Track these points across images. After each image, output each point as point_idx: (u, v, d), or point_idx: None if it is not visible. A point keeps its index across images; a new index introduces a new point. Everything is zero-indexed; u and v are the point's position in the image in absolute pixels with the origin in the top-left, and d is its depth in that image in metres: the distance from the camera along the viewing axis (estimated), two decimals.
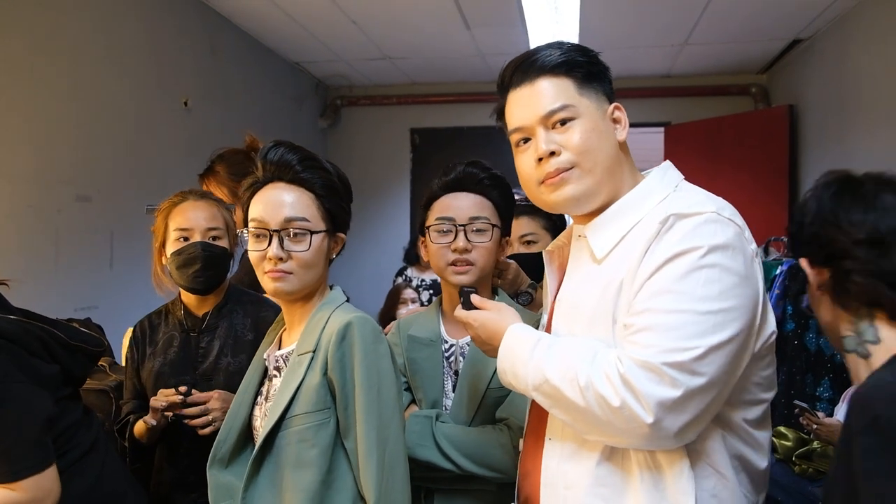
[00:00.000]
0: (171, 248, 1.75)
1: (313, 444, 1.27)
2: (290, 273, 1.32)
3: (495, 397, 1.51)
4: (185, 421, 1.63)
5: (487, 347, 1.27)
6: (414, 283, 4.79)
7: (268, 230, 1.31)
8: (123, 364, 2.18)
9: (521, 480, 1.32)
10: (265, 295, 1.88)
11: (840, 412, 2.80)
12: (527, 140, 1.23)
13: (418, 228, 1.65)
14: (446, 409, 1.55)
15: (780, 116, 4.72)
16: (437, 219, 1.55)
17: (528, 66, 1.22)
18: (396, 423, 1.30)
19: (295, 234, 1.31)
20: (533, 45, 4.60)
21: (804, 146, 4.58)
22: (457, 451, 1.44)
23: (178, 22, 3.64)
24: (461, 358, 1.57)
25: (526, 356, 1.13)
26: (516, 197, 1.69)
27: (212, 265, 1.74)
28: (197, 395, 1.63)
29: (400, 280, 4.87)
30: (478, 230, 1.54)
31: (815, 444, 2.52)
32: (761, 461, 1.15)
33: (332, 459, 1.28)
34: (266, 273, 1.32)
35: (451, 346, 1.59)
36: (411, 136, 5.84)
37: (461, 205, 1.55)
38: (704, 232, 1.04)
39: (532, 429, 1.29)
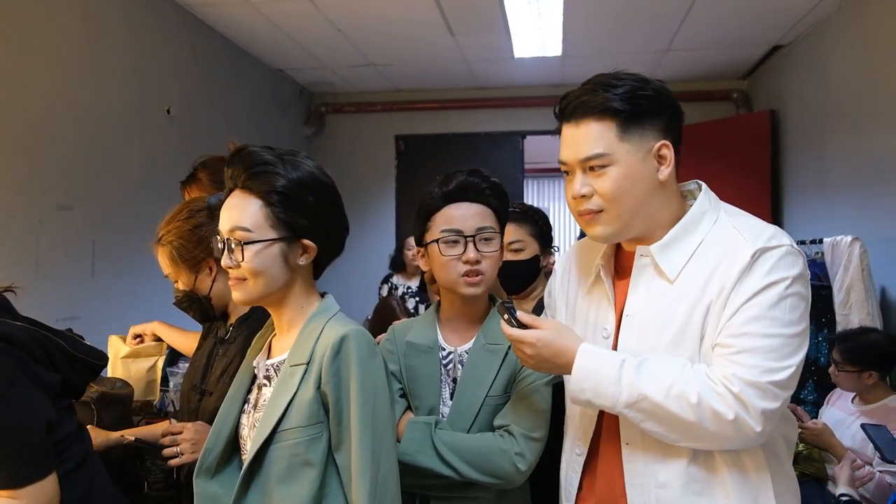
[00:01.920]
0: None
1: (305, 459, 1.25)
2: (244, 280, 1.31)
3: (494, 405, 1.50)
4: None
5: (548, 365, 1.30)
6: (400, 291, 4.78)
7: (222, 239, 1.31)
8: (112, 370, 2.16)
9: (589, 482, 1.38)
10: None
11: (824, 415, 2.82)
12: (567, 173, 1.33)
13: (415, 240, 1.62)
14: (443, 416, 1.53)
15: (761, 121, 4.77)
16: (444, 231, 1.52)
17: (577, 107, 1.29)
18: (389, 438, 1.28)
19: (240, 243, 1.29)
20: (517, 52, 4.62)
21: (786, 151, 4.63)
22: (457, 458, 1.43)
23: (161, 29, 3.62)
24: (459, 365, 1.56)
25: (613, 376, 1.22)
26: None
27: (185, 310, 1.76)
28: (171, 426, 1.61)
29: (385, 287, 4.87)
30: (485, 240, 1.54)
31: (801, 447, 2.54)
32: (794, 432, 1.37)
33: (325, 475, 1.26)
34: (231, 280, 1.34)
35: (449, 353, 1.58)
36: (396, 143, 5.84)
37: (467, 215, 1.54)
38: (787, 263, 1.21)
39: (606, 432, 1.36)
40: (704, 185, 1.36)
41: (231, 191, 1.33)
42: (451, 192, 1.55)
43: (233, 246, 1.28)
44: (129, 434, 1.63)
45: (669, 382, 1.18)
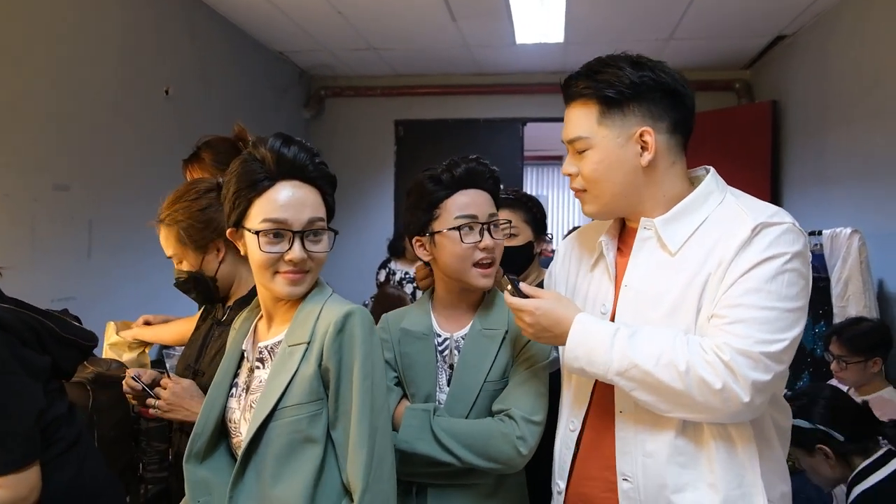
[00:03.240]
0: None
1: (307, 436, 1.25)
2: (307, 273, 1.31)
3: (492, 391, 1.50)
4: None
5: (547, 335, 1.33)
6: (398, 277, 4.77)
7: (291, 231, 1.27)
8: (104, 355, 2.15)
9: (583, 457, 1.40)
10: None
11: None
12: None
13: (416, 229, 1.56)
14: (440, 402, 1.52)
15: (763, 112, 4.75)
16: (461, 217, 1.50)
17: (566, 91, 1.37)
18: (386, 415, 1.30)
19: (316, 234, 1.30)
20: (519, 37, 4.59)
21: (787, 141, 4.62)
22: (457, 443, 1.42)
23: (160, 8, 3.58)
24: (455, 351, 1.55)
25: (606, 344, 1.24)
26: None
27: (186, 292, 1.74)
28: (164, 380, 1.61)
29: (383, 272, 4.86)
30: (496, 226, 1.54)
31: None
32: (787, 421, 1.37)
33: (325, 451, 1.27)
34: (281, 274, 1.29)
35: (445, 339, 1.57)
36: (395, 128, 5.81)
37: (479, 201, 1.53)
38: (787, 240, 1.22)
39: (598, 405, 1.38)
40: (712, 169, 1.39)
41: (276, 178, 1.29)
42: (462, 178, 1.52)
43: (313, 237, 1.29)
44: (131, 373, 1.63)
45: (660, 351, 1.20)
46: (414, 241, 1.59)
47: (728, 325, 1.19)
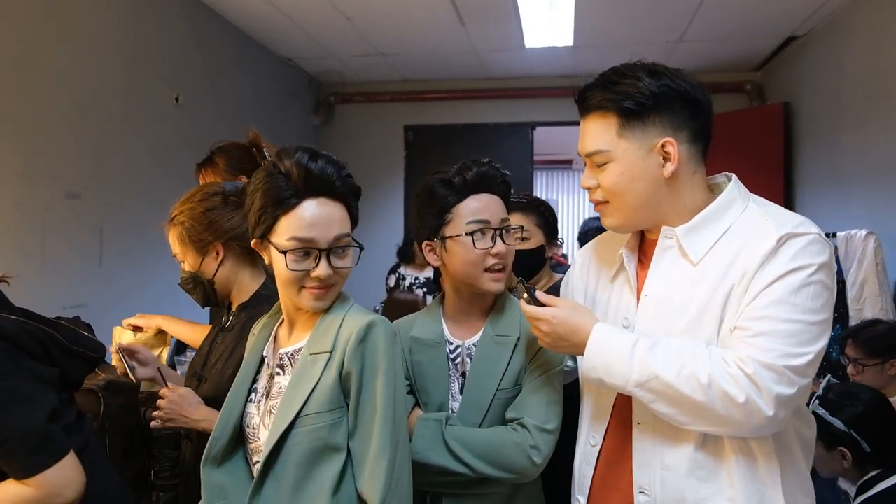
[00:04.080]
0: None
1: (328, 444, 1.25)
2: (332, 286, 1.32)
3: (505, 398, 1.48)
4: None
5: (564, 344, 1.31)
6: (407, 282, 4.76)
7: (318, 250, 1.27)
8: (114, 362, 2.15)
9: (602, 472, 1.37)
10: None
11: None
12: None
13: (428, 232, 1.53)
14: (453, 411, 1.50)
15: (774, 114, 4.71)
16: (471, 222, 1.48)
17: (582, 102, 1.34)
18: (405, 428, 1.31)
19: (343, 250, 1.31)
20: (528, 42, 4.58)
21: (798, 143, 4.58)
22: (470, 454, 1.40)
23: (169, 17, 3.60)
24: (468, 359, 1.52)
25: (626, 354, 1.21)
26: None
27: (189, 292, 1.76)
28: (164, 390, 1.61)
29: (393, 278, 4.85)
30: (508, 232, 1.51)
31: None
32: (811, 432, 1.34)
33: (345, 459, 1.27)
34: (307, 290, 1.30)
35: (457, 347, 1.55)
36: (405, 133, 5.81)
37: (491, 206, 1.50)
38: (812, 251, 1.19)
39: (618, 418, 1.36)
40: (734, 176, 1.36)
41: (304, 195, 1.28)
42: (474, 182, 1.49)
43: (340, 252, 1.30)
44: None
45: (681, 362, 1.17)
46: (424, 245, 1.56)
47: (751, 337, 1.17)
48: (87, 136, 2.97)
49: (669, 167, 1.27)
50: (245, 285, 1.75)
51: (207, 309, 1.95)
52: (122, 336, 2.18)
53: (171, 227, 1.73)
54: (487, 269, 1.49)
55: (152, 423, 1.60)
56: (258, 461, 1.32)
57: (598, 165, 1.30)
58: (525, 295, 1.34)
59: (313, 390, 1.26)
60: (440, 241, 1.52)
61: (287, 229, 1.27)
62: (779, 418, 1.15)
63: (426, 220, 1.53)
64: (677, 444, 1.25)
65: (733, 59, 4.99)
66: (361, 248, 1.35)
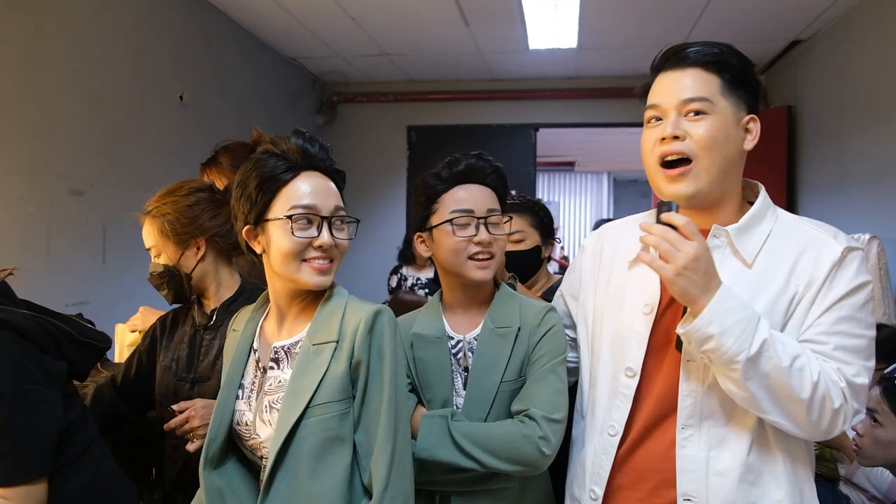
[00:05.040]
0: None
1: (337, 434, 1.26)
2: (333, 262, 1.33)
3: (510, 391, 1.46)
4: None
5: (693, 280, 1.16)
6: (409, 282, 4.77)
7: (319, 216, 1.30)
8: (116, 360, 2.15)
9: (624, 464, 1.35)
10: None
11: None
12: (658, 119, 1.30)
13: (418, 224, 1.57)
14: (457, 407, 1.49)
15: (778, 117, 4.71)
16: (455, 211, 1.49)
17: (685, 55, 1.29)
18: (407, 416, 1.32)
19: (341, 222, 1.34)
20: (532, 44, 4.60)
21: (802, 147, 4.58)
22: (478, 448, 1.39)
23: (174, 15, 3.61)
24: (469, 353, 1.51)
25: (752, 324, 1.16)
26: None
27: (158, 287, 1.74)
28: (172, 422, 1.57)
29: (395, 278, 4.86)
30: (494, 222, 1.51)
31: (813, 447, 2.50)
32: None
33: (354, 450, 1.28)
34: (310, 262, 1.30)
35: (458, 342, 1.53)
36: (408, 134, 5.82)
37: (477, 197, 1.50)
38: (865, 267, 1.24)
39: (649, 411, 1.32)
40: (761, 185, 1.39)
41: (300, 169, 1.32)
42: (460, 173, 1.51)
43: (341, 224, 1.33)
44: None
45: (795, 353, 1.17)
46: (416, 237, 1.58)
47: (833, 351, 1.20)
48: (92, 133, 2.98)
49: (751, 141, 1.30)
50: (225, 281, 1.76)
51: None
52: (125, 334, 2.18)
53: (148, 219, 1.73)
54: (471, 258, 1.48)
55: (193, 447, 1.55)
56: (263, 456, 1.32)
57: (693, 115, 1.25)
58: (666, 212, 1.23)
59: (322, 380, 1.26)
60: (428, 231, 1.53)
61: (287, 200, 1.29)
62: (844, 430, 1.22)
63: (417, 213, 1.57)
64: (729, 450, 1.24)
65: None
66: (358, 221, 1.38)
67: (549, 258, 2.19)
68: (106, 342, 1.60)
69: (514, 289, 1.77)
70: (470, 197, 1.50)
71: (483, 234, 1.47)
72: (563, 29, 4.30)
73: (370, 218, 5.59)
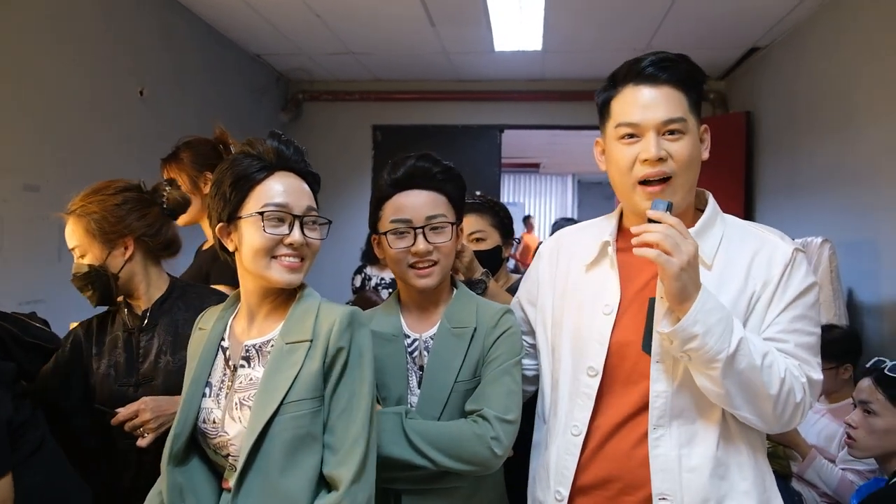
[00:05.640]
0: None
1: (309, 432, 1.27)
2: (304, 261, 1.34)
3: (464, 391, 1.47)
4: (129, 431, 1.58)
5: (687, 275, 1.17)
6: (373, 282, 4.75)
7: (291, 215, 1.31)
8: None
9: (590, 464, 1.35)
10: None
11: None
12: (632, 136, 1.31)
13: (370, 227, 1.59)
14: (411, 405, 1.50)
15: (737, 122, 4.82)
16: (392, 221, 1.50)
17: (660, 69, 1.30)
18: (375, 413, 1.34)
19: (313, 222, 1.35)
20: (497, 45, 4.62)
21: (760, 152, 4.69)
22: (430, 446, 1.39)
23: (135, 8, 3.54)
24: (425, 352, 1.52)
25: (731, 323, 1.20)
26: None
27: (82, 288, 1.70)
28: (122, 411, 1.56)
29: (358, 278, 4.83)
30: (435, 229, 1.49)
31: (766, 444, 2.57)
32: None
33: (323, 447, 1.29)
34: (279, 260, 1.31)
35: (414, 340, 1.54)
36: (373, 133, 5.80)
37: (416, 204, 1.49)
38: (810, 269, 1.30)
39: (610, 410, 1.34)
40: (709, 192, 1.43)
41: (272, 170, 1.34)
42: (400, 178, 1.51)
43: (311, 223, 1.35)
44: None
45: (765, 350, 1.22)
46: (372, 238, 1.60)
47: (793, 348, 1.25)
48: (48, 128, 2.90)
49: (706, 151, 1.36)
50: (155, 280, 1.76)
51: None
52: None
53: (72, 219, 1.71)
54: (411, 266, 1.49)
55: (145, 442, 1.56)
56: (229, 454, 1.32)
57: (671, 135, 1.29)
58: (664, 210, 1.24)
59: (296, 378, 1.27)
60: (379, 236, 1.55)
61: (260, 198, 1.32)
62: (800, 422, 1.27)
63: (370, 216, 1.59)
64: (699, 446, 1.28)
65: None
66: (330, 222, 1.41)
67: (509, 257, 2.21)
68: (53, 342, 1.57)
69: (487, 286, 1.78)
70: (409, 204, 1.50)
71: (420, 245, 1.47)
72: (528, 31, 4.34)
73: (335, 217, 5.49)
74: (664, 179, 1.29)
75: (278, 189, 1.32)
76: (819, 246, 3.18)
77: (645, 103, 1.30)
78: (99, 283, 1.69)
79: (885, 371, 2.08)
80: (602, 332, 1.36)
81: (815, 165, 3.81)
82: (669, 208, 1.23)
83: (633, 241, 1.22)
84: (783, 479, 2.53)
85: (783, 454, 2.59)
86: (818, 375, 1.26)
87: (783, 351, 1.25)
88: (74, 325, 2.14)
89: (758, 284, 1.28)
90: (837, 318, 3.10)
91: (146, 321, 1.71)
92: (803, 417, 1.25)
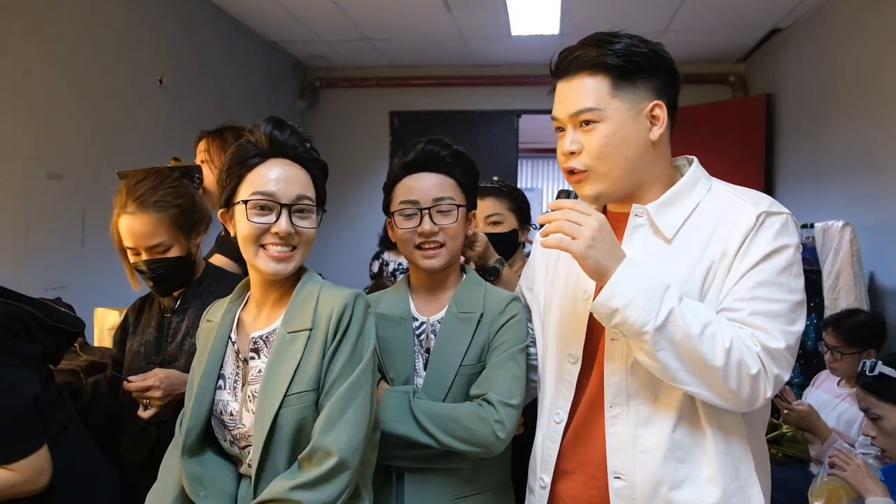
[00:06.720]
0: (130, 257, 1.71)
1: (312, 423, 1.26)
2: (294, 250, 1.32)
3: (468, 375, 1.50)
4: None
5: (601, 251, 1.17)
6: (391, 267, 4.77)
7: (278, 203, 1.29)
8: (95, 343, 2.15)
9: (570, 451, 1.36)
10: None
11: (809, 396, 2.85)
12: (561, 129, 1.31)
13: (383, 210, 1.61)
14: (418, 387, 1.52)
15: (757, 105, 4.76)
16: (401, 202, 1.53)
17: (571, 60, 1.29)
18: (374, 392, 1.34)
19: (303, 211, 1.32)
20: (514, 29, 4.59)
21: (780, 135, 4.63)
22: (435, 426, 1.42)
23: None
24: (432, 335, 1.54)
25: (658, 293, 1.15)
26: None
27: (163, 279, 1.70)
28: (135, 379, 1.58)
29: (376, 264, 4.85)
30: (442, 211, 1.52)
31: (786, 429, 2.56)
32: (768, 412, 1.36)
33: None
34: (265, 250, 1.30)
35: (422, 323, 1.56)
36: (390, 119, 5.80)
37: (423, 186, 1.52)
38: (790, 231, 1.22)
39: (590, 395, 1.34)
40: (695, 159, 1.36)
41: (265, 157, 1.32)
42: (410, 161, 1.54)
43: (301, 211, 1.32)
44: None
45: (706, 321, 1.15)
46: (386, 221, 1.62)
47: (748, 317, 1.17)
48: (70, 117, 2.95)
49: (657, 130, 1.27)
50: (199, 264, 1.80)
51: None
52: (104, 318, 2.18)
53: (146, 215, 1.64)
54: (418, 247, 1.52)
55: (147, 413, 1.59)
56: (248, 446, 1.32)
57: (585, 126, 1.26)
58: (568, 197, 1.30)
59: (296, 371, 1.27)
60: (390, 217, 1.57)
61: (250, 185, 1.31)
62: (768, 399, 1.18)
63: (383, 199, 1.61)
64: (654, 427, 1.24)
65: (717, 50, 5.02)
66: (324, 210, 1.38)
67: (526, 242, 2.22)
68: (79, 326, 1.61)
69: (500, 272, 1.79)
70: (416, 186, 1.53)
71: (426, 225, 1.50)
72: (545, 15, 4.30)
73: (352, 203, 5.57)
74: (582, 171, 1.28)
75: (269, 177, 1.30)
76: (840, 230, 3.14)
77: (559, 99, 1.31)
78: (184, 274, 1.72)
79: (867, 373, 2.06)
80: (581, 319, 1.35)
81: (837, 149, 3.76)
82: (574, 196, 1.28)
83: (537, 235, 1.24)
84: (801, 463, 2.52)
85: (802, 439, 2.58)
86: (778, 344, 1.15)
87: (735, 320, 1.18)
88: (99, 309, 2.18)
89: (717, 254, 1.22)
90: (858, 303, 3.07)
91: (178, 303, 1.75)
92: (770, 391, 1.16)
